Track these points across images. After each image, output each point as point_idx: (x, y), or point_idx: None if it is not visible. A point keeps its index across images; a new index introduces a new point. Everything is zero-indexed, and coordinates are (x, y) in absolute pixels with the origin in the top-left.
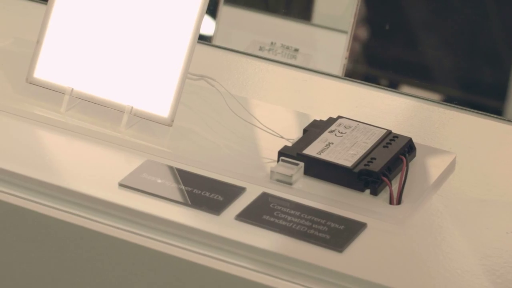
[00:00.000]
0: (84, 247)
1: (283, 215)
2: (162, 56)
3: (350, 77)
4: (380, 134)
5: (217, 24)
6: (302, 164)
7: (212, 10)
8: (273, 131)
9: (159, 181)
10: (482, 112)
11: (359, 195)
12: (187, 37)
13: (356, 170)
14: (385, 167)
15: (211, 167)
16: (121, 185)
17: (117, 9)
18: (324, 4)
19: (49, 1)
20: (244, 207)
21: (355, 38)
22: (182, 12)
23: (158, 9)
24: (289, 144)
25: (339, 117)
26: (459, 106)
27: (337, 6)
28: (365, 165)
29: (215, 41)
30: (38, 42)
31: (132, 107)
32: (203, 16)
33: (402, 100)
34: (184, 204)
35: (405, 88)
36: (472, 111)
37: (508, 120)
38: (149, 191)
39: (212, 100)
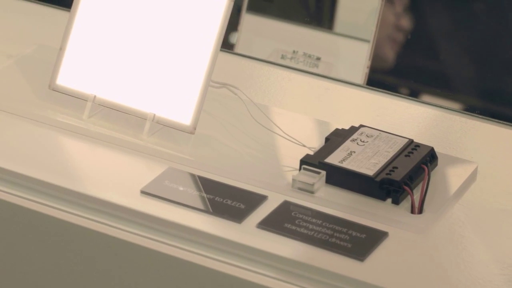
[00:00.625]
0: (105, 253)
1: (304, 224)
2: (185, 64)
3: (372, 86)
4: (402, 143)
5: (239, 32)
6: (324, 172)
7: (234, 18)
8: (295, 139)
9: (181, 188)
10: (503, 122)
11: (380, 204)
12: (210, 45)
13: (378, 179)
14: (407, 176)
15: (233, 174)
16: (143, 192)
17: (140, 17)
18: (346, 12)
19: (72, 8)
20: (265, 215)
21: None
22: (205, 19)
23: (181, 16)
24: (311, 153)
25: (361, 126)
26: (480, 116)
27: (359, 14)
28: (387, 174)
29: (237, 49)
30: (61, 49)
31: (154, 115)
32: (226, 24)
33: (423, 109)
34: (206, 211)
35: (427, 97)
36: (494, 121)
37: None
38: (171, 198)
39: (234, 108)
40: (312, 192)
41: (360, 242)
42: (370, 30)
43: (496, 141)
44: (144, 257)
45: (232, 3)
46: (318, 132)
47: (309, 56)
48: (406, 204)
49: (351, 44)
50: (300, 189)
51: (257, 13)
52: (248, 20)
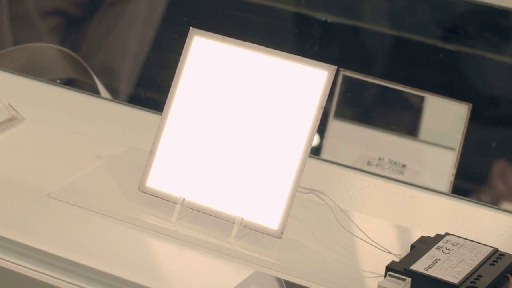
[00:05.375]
0: None
1: None
2: (274, 169)
3: (457, 193)
4: (486, 252)
5: (326, 138)
6: (409, 279)
7: (321, 124)
8: (380, 245)
9: None
10: None
11: None
12: (299, 151)
13: (463, 287)
14: (491, 284)
15: (318, 279)
16: None
17: (229, 123)
18: (432, 120)
19: (163, 112)
20: None
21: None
22: (295, 125)
23: (271, 122)
24: (397, 259)
25: (447, 234)
26: None
27: (445, 122)
28: (471, 282)
29: (324, 155)
30: (151, 152)
31: (242, 219)
32: (315, 130)
33: (508, 218)
34: None
35: (511, 206)
36: None
37: None
38: None
39: (321, 213)
40: None
41: None
42: (455, 138)
43: None
44: None
45: (322, 110)
46: (403, 239)
47: (395, 163)
48: None
49: (436, 152)
50: None
51: (344, 119)
52: (335, 126)
